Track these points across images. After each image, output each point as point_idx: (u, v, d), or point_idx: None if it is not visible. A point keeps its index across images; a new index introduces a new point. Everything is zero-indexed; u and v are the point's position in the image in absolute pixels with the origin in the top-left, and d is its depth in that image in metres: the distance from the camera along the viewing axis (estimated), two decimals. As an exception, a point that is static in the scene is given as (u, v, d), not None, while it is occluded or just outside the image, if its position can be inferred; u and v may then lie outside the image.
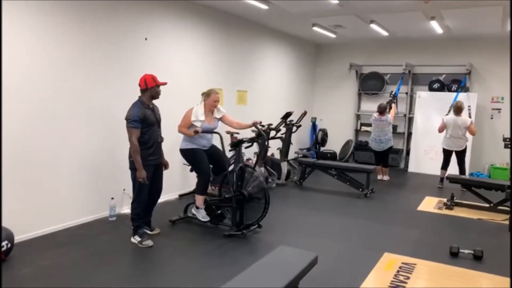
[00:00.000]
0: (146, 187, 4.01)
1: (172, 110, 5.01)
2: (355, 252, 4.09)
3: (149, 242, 4.02)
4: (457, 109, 6.98)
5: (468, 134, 7.07)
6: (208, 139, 4.63)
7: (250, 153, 6.85)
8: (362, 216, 5.39)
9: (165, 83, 4.06)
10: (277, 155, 7.29)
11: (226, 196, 4.44)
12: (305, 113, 7.38)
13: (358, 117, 9.82)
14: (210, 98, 4.53)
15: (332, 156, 9.90)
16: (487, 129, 8.50)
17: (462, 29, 7.43)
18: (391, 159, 8.88)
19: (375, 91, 9.48)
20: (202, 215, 4.58)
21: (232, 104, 7.15)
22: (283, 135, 7.03)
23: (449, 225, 5.13)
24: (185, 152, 4.55)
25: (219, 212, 4.61)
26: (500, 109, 8.41)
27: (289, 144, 7.09)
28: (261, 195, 4.34)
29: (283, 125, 6.93)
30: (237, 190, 4.37)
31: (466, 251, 4.00)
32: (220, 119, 4.70)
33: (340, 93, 10.02)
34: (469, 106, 7.91)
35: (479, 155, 8.47)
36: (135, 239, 4.06)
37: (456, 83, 8.55)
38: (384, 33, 7.96)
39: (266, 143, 6.27)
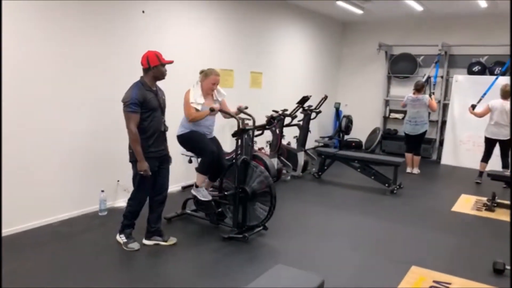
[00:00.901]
0: (148, 184, 3.45)
1: (171, 95, 4.42)
2: (376, 265, 3.43)
3: (135, 245, 3.49)
4: (505, 93, 6.10)
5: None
6: (208, 127, 4.03)
7: (262, 142, 6.23)
8: (386, 217, 4.69)
9: (171, 62, 3.45)
10: (294, 144, 6.63)
11: (226, 193, 3.84)
12: (325, 98, 6.65)
13: (387, 102, 8.96)
14: (208, 80, 3.92)
15: (357, 145, 9.15)
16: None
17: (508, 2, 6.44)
18: (423, 149, 8.03)
19: (406, 74, 8.59)
20: (202, 194, 3.91)
21: (245, 88, 6.51)
22: (301, 122, 6.35)
23: (490, 232, 4.37)
24: (182, 138, 3.97)
25: (219, 210, 4.02)
26: (551, 95, 7.37)
27: (307, 132, 6.41)
28: (267, 193, 3.72)
29: (300, 111, 6.25)
30: (239, 187, 3.77)
31: (514, 269, 3.27)
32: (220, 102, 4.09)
33: (367, 76, 9.18)
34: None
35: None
36: (121, 239, 3.55)
37: (500, 65, 7.56)
38: (419, 8, 7.06)
39: (279, 131, 5.63)
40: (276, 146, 5.79)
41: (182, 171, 5.28)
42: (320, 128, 8.89)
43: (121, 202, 4.56)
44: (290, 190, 5.61)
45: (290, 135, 6.65)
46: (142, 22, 4.66)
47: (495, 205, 5.04)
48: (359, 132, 9.15)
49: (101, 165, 4.40)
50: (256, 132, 5.46)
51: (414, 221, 4.58)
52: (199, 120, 3.87)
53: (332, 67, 9.26)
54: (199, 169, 3.98)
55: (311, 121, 6.57)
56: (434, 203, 5.31)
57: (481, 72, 7.76)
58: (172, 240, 3.65)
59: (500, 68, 7.51)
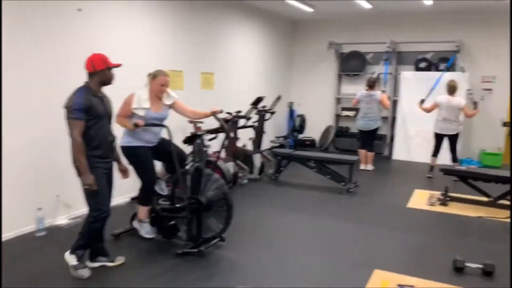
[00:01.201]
0: (104, 193, 3.08)
1: (116, 101, 4.06)
2: (338, 271, 3.31)
3: (84, 273, 3.05)
4: (451, 88, 6.26)
5: (461, 117, 6.39)
6: (155, 133, 3.74)
7: (217, 146, 5.96)
8: (344, 217, 4.62)
9: (119, 65, 3.11)
10: (250, 146, 6.43)
11: (178, 205, 3.56)
12: (279, 98, 6.52)
13: (338, 100, 9.02)
14: (156, 81, 3.63)
15: (311, 143, 9.13)
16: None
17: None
18: (375, 145, 8.15)
19: (356, 72, 8.67)
20: (145, 231, 3.71)
21: (196, 89, 6.23)
22: (255, 124, 6.17)
23: (446, 227, 4.41)
24: (126, 151, 3.64)
25: (172, 223, 3.74)
26: (491, 89, 7.74)
27: (262, 133, 6.24)
28: (222, 202, 3.49)
29: (254, 112, 6.07)
30: (192, 197, 3.51)
31: (474, 265, 3.26)
32: (170, 106, 3.80)
33: (319, 75, 9.18)
34: (469, 90, 7.17)
35: (468, 140, 7.82)
36: (71, 259, 3.10)
37: (444, 61, 7.81)
38: (367, 5, 7.12)
39: (233, 134, 5.41)
40: (232, 150, 5.57)
41: (130, 181, 4.90)
42: (275, 128, 8.76)
43: (62, 219, 4.15)
44: (247, 194, 5.41)
45: (245, 137, 6.44)
46: (79, 21, 4.25)
47: (448, 199, 5.13)
48: (313, 131, 9.15)
49: (37, 180, 3.95)
50: (210, 136, 5.21)
51: (372, 220, 4.54)
52: (148, 125, 3.57)
53: (284, 66, 9.17)
54: (140, 201, 3.70)
55: (266, 122, 6.41)
56: (390, 200, 5.32)
57: (427, 68, 7.99)
58: (120, 260, 3.32)
59: (445, 64, 7.76)
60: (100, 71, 3.00)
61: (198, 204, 3.53)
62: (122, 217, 4.09)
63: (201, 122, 5.37)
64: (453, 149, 6.37)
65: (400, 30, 8.21)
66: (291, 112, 8.92)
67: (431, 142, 6.60)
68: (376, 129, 6.81)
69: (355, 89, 8.12)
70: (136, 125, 3.41)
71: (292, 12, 8.12)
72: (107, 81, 3.08)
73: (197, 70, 6.24)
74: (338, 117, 9.04)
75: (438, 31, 7.91)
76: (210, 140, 5.09)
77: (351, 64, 8.72)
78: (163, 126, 3.55)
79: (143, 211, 3.71)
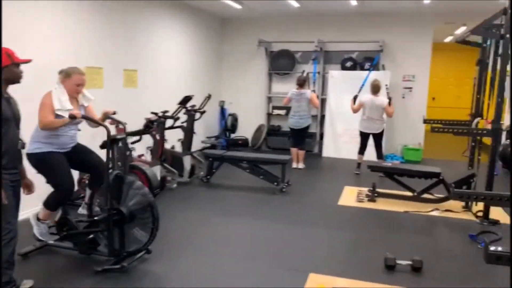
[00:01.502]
0: (11, 210, 2.62)
1: (24, 103, 3.56)
2: (273, 277, 3.17)
3: None
4: (374, 88, 6.47)
5: (385, 116, 6.64)
6: (70, 136, 3.36)
7: (142, 148, 5.59)
8: (278, 218, 4.53)
9: (28, 61, 2.67)
10: (180, 148, 6.12)
11: (96, 218, 3.19)
12: (209, 97, 6.29)
13: (269, 99, 8.98)
14: (70, 80, 3.27)
15: (244, 143, 9.00)
16: (399, 109, 8.17)
17: (375, 1, 6.86)
18: (306, 143, 8.24)
19: (286, 71, 8.70)
20: (40, 232, 3.34)
21: (118, 87, 5.78)
22: (184, 124, 5.88)
23: (375, 223, 4.49)
24: (34, 159, 3.20)
25: (90, 237, 3.35)
26: (411, 88, 8.18)
27: (192, 134, 5.96)
28: (147, 212, 3.19)
29: (182, 111, 5.77)
30: (112, 208, 3.16)
31: (404, 262, 3.31)
32: (85, 108, 3.43)
33: (249, 73, 9.08)
34: (386, 85, 7.47)
35: (391, 136, 8.18)
36: None
37: (369, 61, 8.10)
38: (295, 4, 7.13)
39: (160, 135, 5.09)
40: (158, 152, 5.23)
41: (38, 193, 4.38)
42: (206, 128, 8.50)
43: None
44: (176, 199, 5.11)
45: (174, 138, 6.12)
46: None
47: (376, 195, 5.27)
48: (245, 130, 9.03)
49: None
50: (134, 139, 4.84)
51: (305, 219, 4.50)
52: (59, 129, 3.17)
53: (214, 64, 8.93)
54: (46, 203, 3.30)
55: (196, 122, 6.15)
56: (322, 198, 5.35)
57: (353, 68, 8.23)
58: (27, 284, 2.88)
59: (369, 63, 8.04)
60: (5, 68, 2.57)
61: (119, 215, 3.20)
62: (30, 233, 3.60)
63: (123, 123, 4.95)
64: (378, 147, 6.60)
65: (327, 29, 8.37)
66: (223, 111, 8.72)
67: (358, 140, 6.78)
68: (306, 127, 6.85)
69: (286, 88, 8.15)
70: (74, 117, 3.02)
71: (221, 9, 7.92)
72: (15, 79, 2.65)
73: (119, 67, 5.79)
74: (269, 116, 9.01)
75: (362, 31, 8.19)
76: (133, 143, 4.74)
77: (281, 63, 8.73)
78: (103, 125, 3.16)
79: (46, 213, 3.31)
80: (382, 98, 6.48)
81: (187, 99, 5.49)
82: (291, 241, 3.92)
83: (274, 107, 8.97)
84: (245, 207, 4.93)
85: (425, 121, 5.59)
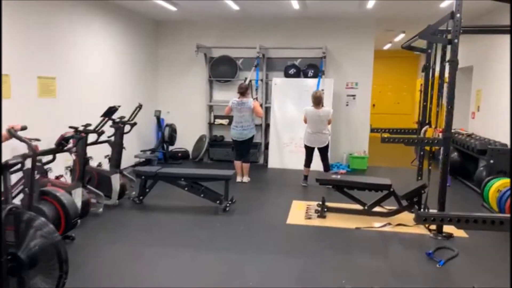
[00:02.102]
0: None
1: None
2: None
3: None
4: (316, 100, 6.14)
5: (330, 127, 6.38)
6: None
7: (61, 168, 4.81)
8: (222, 244, 4.00)
9: None
10: (108, 166, 5.39)
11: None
12: (140, 107, 5.63)
13: (211, 108, 8.44)
14: None
15: (184, 155, 8.39)
16: (343, 116, 8.05)
17: (318, 5, 6.61)
18: (250, 154, 7.81)
19: (227, 78, 8.22)
20: None
21: (31, 97, 4.96)
22: (112, 138, 5.18)
23: (327, 243, 4.10)
24: None
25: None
26: (355, 95, 8.04)
27: (121, 149, 5.28)
28: (51, 256, 2.53)
29: (110, 124, 5.08)
30: (6, 253, 2.46)
31: (363, 294, 2.93)
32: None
33: (188, 80, 8.49)
34: (322, 90, 7.26)
35: (336, 144, 7.98)
36: None
37: (312, 68, 7.85)
38: (234, 7, 6.69)
39: (81, 152, 4.37)
40: (79, 172, 4.49)
41: None
42: (141, 141, 7.78)
43: None
44: (102, 228, 4.40)
45: (100, 155, 5.38)
46: None
47: (326, 210, 4.92)
48: (185, 141, 8.43)
49: None
50: (47, 159, 4.08)
51: (252, 244, 4.01)
52: None
53: (149, 71, 8.24)
54: None
55: (128, 135, 5.47)
56: (269, 216, 4.89)
57: (297, 75, 7.93)
58: None
59: (313, 70, 7.79)
60: None
61: (16, 262, 2.50)
62: None
63: (38, 140, 4.17)
64: (324, 160, 6.31)
65: (269, 35, 8.03)
66: (159, 122, 8.03)
67: (304, 150, 6.45)
68: (250, 139, 6.40)
69: (228, 96, 7.69)
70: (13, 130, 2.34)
71: (155, 10, 7.29)
72: None
73: (32, 73, 4.97)
74: (211, 125, 8.46)
75: (305, 38, 7.94)
76: (45, 164, 4.01)
77: (222, 70, 8.24)
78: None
79: None
80: (326, 110, 6.19)
81: (111, 110, 4.80)
82: (237, 272, 3.41)
83: (216, 116, 8.44)
84: (184, 233, 4.34)
85: (372, 130, 5.36)
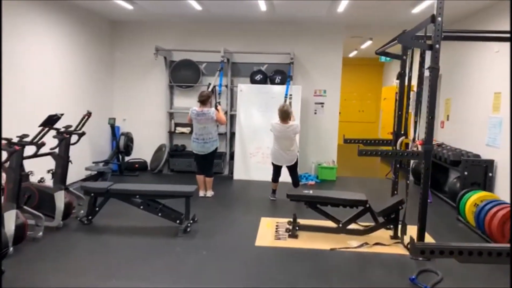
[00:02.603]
0: None
1: None
2: None
3: None
4: (283, 115, 5.63)
5: (297, 142, 6.02)
6: None
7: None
8: (182, 276, 3.47)
9: None
10: (51, 181, 4.71)
11: None
12: (89, 115, 4.99)
13: (171, 115, 7.86)
14: None
15: (141, 166, 7.77)
16: (311, 125, 7.72)
17: (287, 5, 6.23)
18: (214, 165, 7.31)
19: (189, 84, 7.69)
20: None
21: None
22: (55, 150, 4.52)
23: (301, 269, 3.67)
24: None
25: None
26: (323, 103, 7.73)
27: (67, 162, 4.63)
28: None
29: (52, 135, 4.43)
30: None
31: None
32: None
33: (147, 85, 7.88)
34: (290, 95, 6.90)
35: (304, 154, 7.62)
36: None
37: (279, 74, 7.46)
38: (197, 7, 6.20)
39: (15, 168, 3.72)
40: (13, 191, 3.82)
41: None
42: (94, 151, 7.09)
43: None
44: (40, 255, 3.75)
45: (43, 169, 4.70)
46: None
47: (297, 228, 4.51)
48: (143, 151, 7.80)
49: None
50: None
51: (216, 274, 3.52)
52: None
53: (104, 75, 7.56)
54: None
55: (79, 146, 4.84)
56: (235, 238, 4.41)
57: (263, 81, 7.53)
58: None
59: (280, 77, 7.41)
60: None
61: None
62: None
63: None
64: (293, 175, 5.91)
65: (234, 38, 7.59)
66: (114, 130, 7.34)
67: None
68: (214, 152, 5.87)
69: (190, 103, 7.20)
70: None
71: (109, 9, 6.67)
72: None
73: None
74: (172, 134, 7.88)
75: (273, 42, 7.56)
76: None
77: (183, 74, 7.70)
78: None
79: None
80: (293, 124, 5.71)
81: (52, 118, 4.15)
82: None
83: (177, 124, 7.87)
84: (139, 261, 3.77)
85: (346, 141, 5.01)
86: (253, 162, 7.31)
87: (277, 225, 4.79)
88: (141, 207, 4.57)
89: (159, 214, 4.57)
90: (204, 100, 5.72)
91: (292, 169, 5.87)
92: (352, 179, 7.70)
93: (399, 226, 4.32)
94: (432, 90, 3.73)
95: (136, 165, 7.77)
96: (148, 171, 7.76)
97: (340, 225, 4.49)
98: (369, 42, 9.09)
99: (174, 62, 7.70)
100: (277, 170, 5.90)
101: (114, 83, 7.90)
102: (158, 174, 7.58)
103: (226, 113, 7.58)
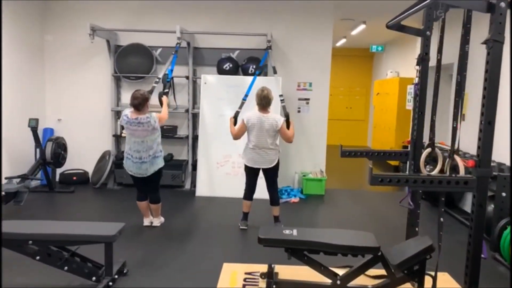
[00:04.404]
0: None
1: None
2: None
3: None
4: (263, 101, 4.23)
5: (282, 141, 4.50)
6: None
7: None
8: None
9: None
10: None
11: None
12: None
13: (117, 115, 6.23)
14: None
15: (81, 179, 6.19)
16: (294, 127, 6.18)
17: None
18: (171, 176, 5.79)
19: (140, 74, 6.08)
20: None
21: None
22: None
23: None
24: None
25: None
26: (308, 99, 6.24)
27: None
28: None
29: None
30: None
31: None
32: None
33: (87, 76, 6.25)
34: (281, 96, 5.37)
35: (285, 162, 6.10)
36: None
37: (253, 62, 5.92)
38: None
39: None
40: None
41: None
42: (16, 163, 5.44)
43: None
44: None
45: None
46: None
47: (275, 285, 3.01)
48: (84, 159, 6.21)
49: None
50: None
51: None
52: None
53: (31, 64, 5.89)
54: None
55: None
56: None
57: (234, 71, 5.98)
58: None
59: (254, 66, 5.87)
60: None
61: None
62: None
63: None
64: (271, 187, 4.42)
65: (196, 16, 6.02)
66: (36, 135, 5.60)
67: (243, 173, 4.51)
68: (157, 173, 4.24)
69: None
70: None
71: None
72: None
73: None
74: (118, 138, 6.26)
75: (245, 21, 6.02)
76: None
77: (133, 62, 6.08)
78: None
79: None
80: (274, 116, 4.31)
81: None
82: None
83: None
84: None
85: (344, 154, 3.50)
86: (220, 174, 5.78)
87: (245, 278, 3.28)
88: (38, 257, 2.99)
89: (65, 268, 2.99)
90: (138, 104, 4.00)
91: (271, 176, 4.38)
92: (344, 193, 6.26)
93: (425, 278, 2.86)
94: (493, 79, 2.27)
95: (74, 178, 6.15)
96: (90, 184, 6.15)
97: (338, 281, 3.00)
98: (361, 27, 7.65)
99: (120, 47, 6.08)
100: (252, 178, 4.39)
101: (45, 74, 6.23)
102: (101, 189, 5.97)
103: (186, 111, 6.02)
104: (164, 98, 4.49)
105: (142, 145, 4.05)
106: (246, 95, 5.12)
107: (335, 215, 5.20)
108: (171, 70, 5.32)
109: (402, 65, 9.28)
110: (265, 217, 4.70)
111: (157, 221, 4.44)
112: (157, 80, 4.93)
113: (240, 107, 4.81)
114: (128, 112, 4.05)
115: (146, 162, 4.08)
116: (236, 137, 4.35)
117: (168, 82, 5.11)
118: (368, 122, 11.84)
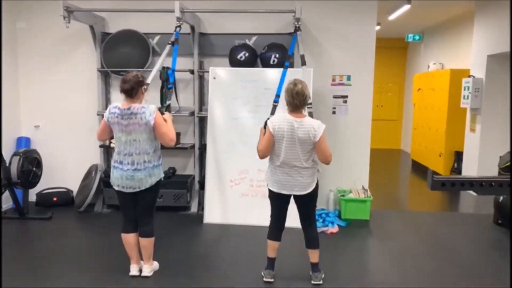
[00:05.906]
0: None
1: None
2: None
3: None
4: (296, 99, 2.91)
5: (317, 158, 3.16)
6: None
7: None
8: None
9: None
10: None
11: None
12: None
13: (107, 120, 5.00)
14: None
15: (63, 200, 5.05)
16: (328, 131, 4.84)
17: None
18: (173, 196, 4.56)
19: (132, 69, 4.80)
20: None
21: None
22: None
23: None
24: None
25: None
26: (346, 96, 4.89)
27: None
28: None
29: None
30: None
31: None
32: None
33: (69, 72, 5.05)
34: (310, 102, 4.00)
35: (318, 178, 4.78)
36: None
37: (276, 50, 4.60)
38: None
39: None
40: None
41: None
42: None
43: None
44: None
45: None
46: None
47: None
48: (68, 176, 5.07)
49: None
50: None
51: None
52: None
53: (2, 56, 4.73)
54: None
55: None
56: None
57: (251, 62, 4.66)
58: None
59: (277, 55, 4.56)
60: None
61: None
62: None
63: None
64: (306, 221, 3.11)
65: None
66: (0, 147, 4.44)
67: (265, 190, 3.20)
68: (154, 187, 3.05)
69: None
70: None
71: None
72: None
73: None
74: (107, 149, 5.02)
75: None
76: None
77: (124, 54, 4.84)
78: None
79: None
80: (312, 122, 2.97)
81: None
82: None
83: (118, 133, 5.02)
84: None
85: (435, 185, 2.16)
86: (234, 195, 4.49)
87: None
88: None
89: None
90: (131, 89, 2.97)
91: (307, 206, 3.09)
92: (391, 216, 4.91)
93: None
94: None
95: (55, 198, 4.97)
96: (74, 206, 4.94)
97: None
98: (405, 8, 6.28)
99: (108, 35, 4.85)
100: (279, 209, 3.09)
101: (18, 69, 5.05)
102: (86, 212, 4.76)
103: (192, 114, 4.76)
104: (166, 115, 3.23)
105: (134, 145, 2.98)
106: (278, 96, 3.87)
107: (392, 251, 3.86)
108: (173, 71, 4.07)
109: (445, 56, 7.90)
110: (296, 258, 3.41)
111: (149, 268, 3.17)
112: (164, 68, 3.73)
113: (272, 112, 3.55)
114: (117, 103, 3.02)
115: (141, 170, 2.97)
116: (265, 154, 3.02)
117: (169, 89, 3.88)
118: (402, 122, 10.46)
